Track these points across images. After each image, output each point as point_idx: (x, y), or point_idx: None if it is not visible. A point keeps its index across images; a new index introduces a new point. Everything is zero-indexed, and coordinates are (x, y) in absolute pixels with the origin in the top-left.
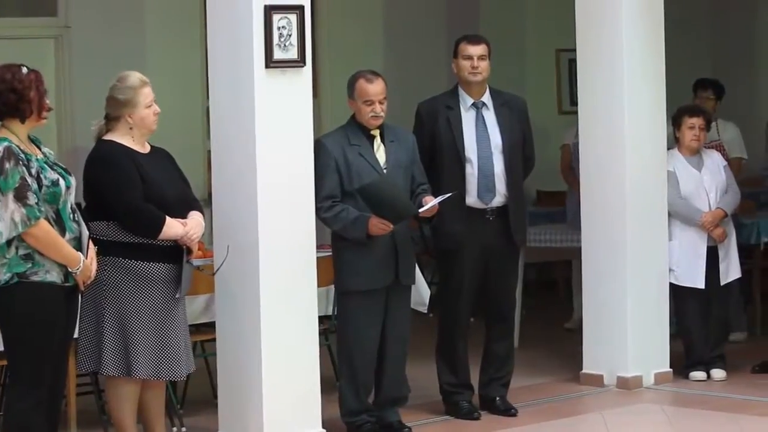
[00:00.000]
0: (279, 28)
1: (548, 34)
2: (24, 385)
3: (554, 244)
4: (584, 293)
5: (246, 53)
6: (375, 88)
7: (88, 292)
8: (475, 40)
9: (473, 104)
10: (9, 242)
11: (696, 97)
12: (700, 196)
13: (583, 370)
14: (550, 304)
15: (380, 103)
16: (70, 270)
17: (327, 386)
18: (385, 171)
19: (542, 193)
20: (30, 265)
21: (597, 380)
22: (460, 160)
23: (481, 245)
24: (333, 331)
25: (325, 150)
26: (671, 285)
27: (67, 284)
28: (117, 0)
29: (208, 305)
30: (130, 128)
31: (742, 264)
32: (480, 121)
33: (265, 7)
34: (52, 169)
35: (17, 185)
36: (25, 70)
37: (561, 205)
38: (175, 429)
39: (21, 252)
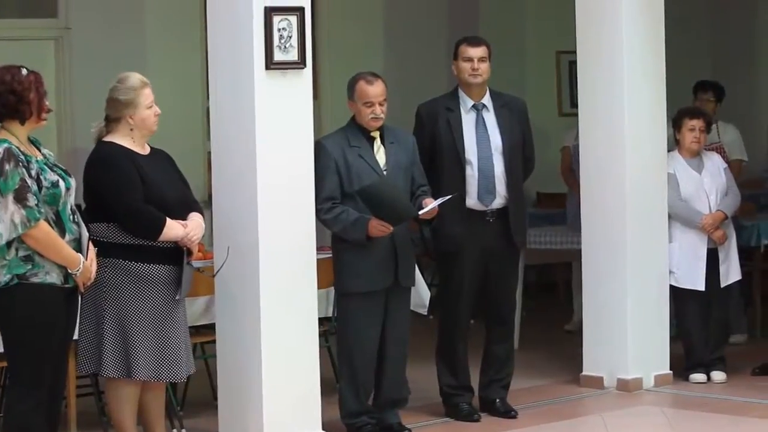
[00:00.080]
0: (279, 30)
1: (548, 35)
2: (24, 386)
3: (554, 246)
4: (584, 295)
5: (246, 55)
6: (375, 89)
7: (89, 294)
8: (475, 41)
9: (473, 106)
10: (9, 244)
11: (696, 99)
12: (701, 198)
13: (583, 372)
14: (550, 306)
15: (380, 104)
16: (70, 271)
17: (327, 388)
18: (385, 173)
19: (542, 195)
20: (30, 266)
21: (597, 382)
22: (460, 161)
23: (481, 247)
24: (333, 333)
25: (325, 151)
26: (671, 287)
27: (67, 285)
28: (117, 1)
29: (208, 307)
30: (131, 129)
31: (742, 266)
32: (480, 123)
33: (266, 8)
34: (52, 170)
35: (17, 187)
36: (24, 71)
37: (561, 207)
38: (175, 431)
39: (21, 253)
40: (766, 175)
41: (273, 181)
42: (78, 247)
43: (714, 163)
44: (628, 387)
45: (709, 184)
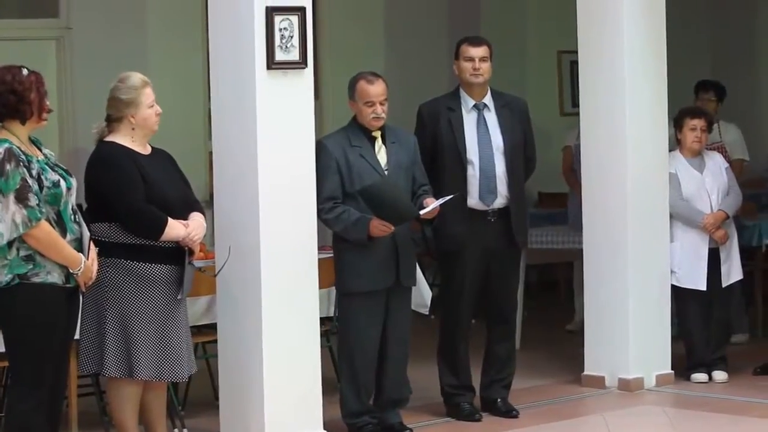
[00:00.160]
0: (280, 30)
1: (550, 35)
2: (25, 386)
3: (556, 245)
4: (586, 295)
5: (248, 55)
6: (376, 89)
7: (90, 294)
8: (476, 41)
9: (474, 106)
10: (10, 243)
11: (697, 99)
12: (702, 197)
13: (585, 372)
14: (552, 306)
15: (381, 104)
16: (71, 271)
17: (328, 387)
18: (386, 172)
19: (544, 195)
20: (31, 266)
21: (598, 382)
22: (462, 161)
23: (482, 247)
24: (334, 333)
25: (326, 151)
26: (673, 287)
27: (68, 285)
28: (119, 1)
29: (210, 307)
30: (133, 129)
31: (743, 266)
32: (481, 123)
33: (267, 8)
34: (53, 170)
35: (18, 186)
36: (25, 71)
37: (562, 206)
38: (176, 430)
39: (22, 253)
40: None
41: (274, 181)
42: (79, 246)
43: (715, 162)
44: (629, 387)
45: (710, 184)
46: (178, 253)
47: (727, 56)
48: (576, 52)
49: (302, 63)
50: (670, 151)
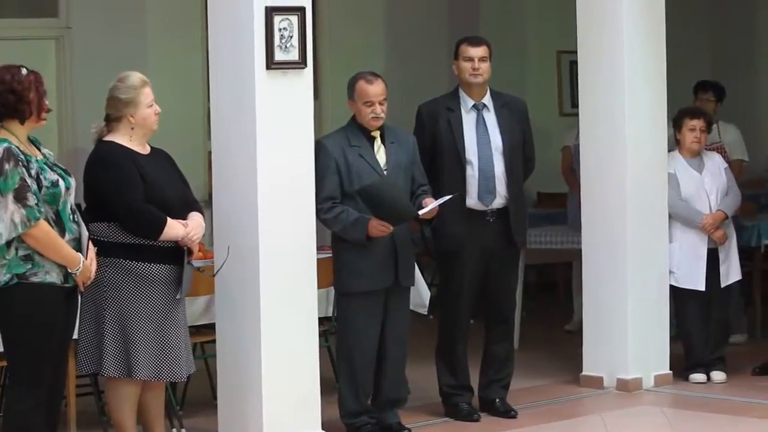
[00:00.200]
0: (280, 30)
1: (549, 35)
2: (24, 386)
3: (555, 245)
4: (584, 295)
5: (247, 54)
6: (375, 89)
7: (89, 294)
8: (475, 41)
9: (474, 106)
10: (9, 243)
11: (696, 99)
12: (701, 198)
13: (583, 372)
14: (550, 306)
15: (380, 104)
16: (69, 271)
17: (327, 388)
18: (385, 172)
19: (543, 195)
20: (30, 266)
21: (597, 382)
22: (461, 161)
23: (481, 247)
24: (333, 333)
25: (325, 151)
26: (671, 287)
27: (66, 285)
28: (118, 1)
29: (208, 307)
30: (132, 128)
31: (742, 266)
32: (480, 123)
33: (266, 8)
34: (52, 170)
35: (17, 186)
36: (24, 71)
37: (562, 206)
38: (174, 430)
39: (21, 253)
40: (767, 175)
41: (273, 181)
42: (78, 246)
43: (714, 162)
44: (627, 387)
45: (709, 184)
46: (177, 253)
47: (727, 56)
48: (575, 52)
49: (302, 63)
50: (669, 151)
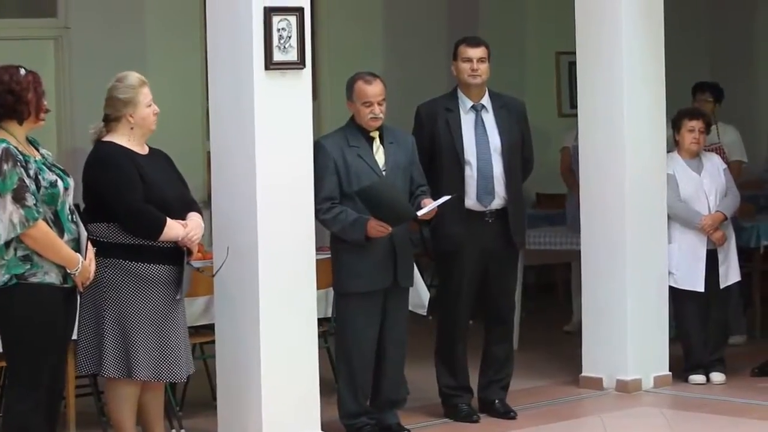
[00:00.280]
0: (279, 30)
1: (548, 36)
2: (23, 386)
3: (554, 246)
4: (583, 296)
5: (246, 55)
6: (374, 89)
7: (88, 294)
8: (474, 42)
9: (472, 107)
10: (7, 244)
11: (695, 100)
12: (700, 199)
13: (583, 373)
14: (550, 307)
15: (379, 104)
16: (68, 271)
17: (326, 388)
18: (384, 173)
19: (542, 196)
20: (29, 266)
21: (596, 383)
22: (459, 162)
23: (480, 247)
24: (332, 334)
25: (324, 151)
26: (671, 288)
27: (65, 285)
28: (117, 1)
29: (208, 307)
30: (131, 128)
31: (741, 267)
32: (479, 124)
33: (265, 8)
34: (51, 170)
35: (15, 186)
36: (23, 71)
37: (560, 207)
38: (174, 431)
39: (20, 253)
40: (766, 176)
41: (272, 182)
42: (77, 246)
43: (713, 163)
44: (627, 388)
45: (708, 185)
46: (177, 254)
47: (726, 58)
48: (574, 53)
49: (300, 63)
50: (668, 152)
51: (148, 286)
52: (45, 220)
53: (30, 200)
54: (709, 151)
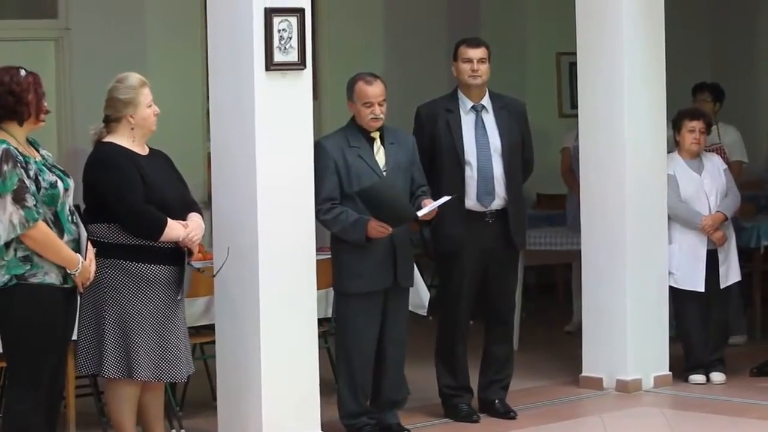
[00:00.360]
0: (279, 31)
1: (549, 37)
2: (23, 386)
3: (554, 247)
4: (584, 296)
5: (246, 56)
6: (374, 90)
7: (89, 295)
8: (474, 43)
9: (473, 107)
10: (7, 244)
11: (695, 101)
12: (700, 199)
13: (583, 373)
14: (550, 307)
15: (379, 105)
16: (68, 272)
17: (326, 389)
18: (384, 173)
19: (542, 196)
20: (29, 267)
21: (596, 383)
22: (460, 163)
23: (480, 248)
24: (332, 334)
25: (324, 152)
26: (671, 288)
27: (66, 286)
28: (117, 2)
29: (208, 307)
30: (132, 129)
31: (742, 267)
32: (479, 124)
33: (266, 9)
34: (51, 171)
35: (15, 187)
36: (23, 72)
37: (561, 208)
38: (174, 431)
39: (20, 254)
40: (767, 176)
41: (273, 182)
42: (77, 247)
43: (714, 164)
44: (627, 388)
45: (709, 186)
46: (177, 254)
47: (727, 59)
48: (575, 53)
49: (301, 64)
50: (668, 152)
51: (148, 287)
52: (45, 220)
53: (30, 201)
54: (709, 151)
